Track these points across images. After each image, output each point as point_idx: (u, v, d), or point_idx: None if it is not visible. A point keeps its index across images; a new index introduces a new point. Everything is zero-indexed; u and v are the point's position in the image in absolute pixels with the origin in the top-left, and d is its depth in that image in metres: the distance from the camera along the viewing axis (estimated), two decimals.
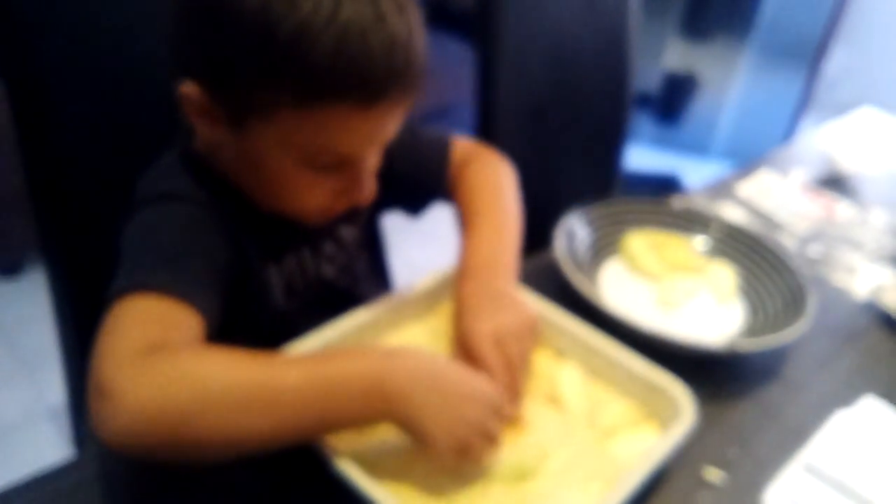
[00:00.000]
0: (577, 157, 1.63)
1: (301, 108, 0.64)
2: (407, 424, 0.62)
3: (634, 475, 0.64)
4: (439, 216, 0.99)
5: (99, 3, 0.88)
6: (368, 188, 0.74)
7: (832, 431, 0.79)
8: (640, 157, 3.13)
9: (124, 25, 0.90)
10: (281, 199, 0.75)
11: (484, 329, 0.72)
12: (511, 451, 0.69)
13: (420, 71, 0.68)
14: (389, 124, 0.70)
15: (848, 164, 1.37)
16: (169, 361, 0.57)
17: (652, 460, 0.66)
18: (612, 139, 1.72)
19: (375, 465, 0.64)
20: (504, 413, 0.67)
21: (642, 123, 3.38)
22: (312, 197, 0.74)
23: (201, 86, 0.67)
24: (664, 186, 2.77)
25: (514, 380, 0.71)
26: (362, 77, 0.63)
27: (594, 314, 0.85)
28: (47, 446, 1.71)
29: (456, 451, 0.63)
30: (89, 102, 0.90)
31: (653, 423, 0.75)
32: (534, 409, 0.74)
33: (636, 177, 2.67)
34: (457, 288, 0.78)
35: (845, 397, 0.84)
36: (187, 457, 0.58)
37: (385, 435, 0.67)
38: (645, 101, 3.34)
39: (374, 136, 0.70)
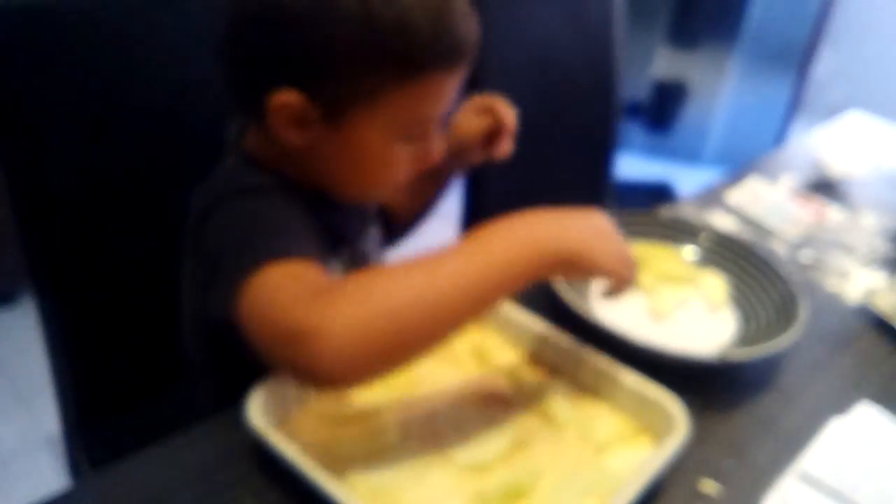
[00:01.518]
0: (568, 169, 1.64)
1: (404, 84, 0.71)
2: (577, 263, 0.70)
3: (629, 490, 0.64)
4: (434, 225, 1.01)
5: (81, 31, 0.88)
6: (439, 149, 0.81)
7: (827, 439, 0.79)
8: (632, 166, 3.14)
9: (109, 58, 0.91)
10: (373, 178, 0.80)
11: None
12: (505, 468, 0.69)
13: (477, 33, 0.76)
14: (459, 83, 0.77)
15: (837, 169, 1.37)
16: (351, 287, 0.60)
17: (646, 474, 0.66)
18: (603, 149, 1.72)
19: (364, 485, 0.64)
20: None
21: (633, 132, 3.39)
22: (400, 169, 0.80)
23: (299, 92, 0.70)
24: (657, 195, 2.77)
25: None
26: (453, 42, 0.71)
27: (584, 328, 0.84)
28: (45, 475, 1.70)
29: (621, 263, 0.75)
30: (75, 132, 0.91)
31: (646, 436, 0.74)
32: (526, 425, 0.74)
33: (629, 186, 2.68)
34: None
35: (840, 404, 0.84)
36: (399, 365, 0.62)
37: (379, 457, 0.67)
38: (635, 109, 3.35)
39: (453, 96, 0.77)
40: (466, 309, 0.63)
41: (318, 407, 0.73)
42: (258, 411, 0.67)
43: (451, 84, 0.75)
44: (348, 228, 0.89)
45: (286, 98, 0.70)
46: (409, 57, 0.69)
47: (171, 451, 0.71)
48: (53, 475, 1.69)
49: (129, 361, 1.08)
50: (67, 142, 0.90)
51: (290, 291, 0.61)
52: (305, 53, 0.69)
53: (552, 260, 0.68)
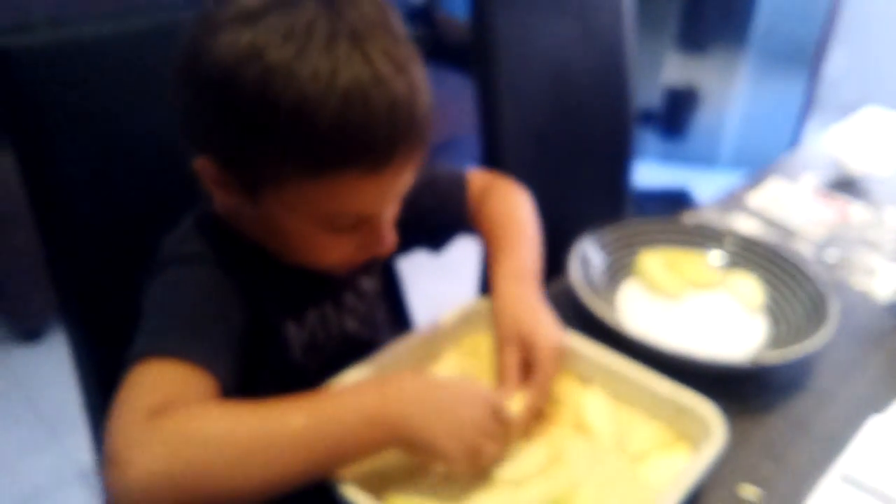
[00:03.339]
0: (585, 180, 1.63)
1: (310, 178, 0.64)
2: (413, 444, 0.63)
3: (668, 499, 0.63)
4: (454, 248, 1.00)
5: (106, 72, 0.89)
6: (389, 239, 0.74)
7: (867, 439, 0.78)
8: (649, 173, 3.13)
9: (133, 95, 0.92)
10: (303, 257, 0.76)
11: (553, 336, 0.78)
12: (543, 481, 0.68)
13: (425, 126, 0.67)
14: (401, 181, 0.69)
15: (857, 166, 1.36)
16: (171, 422, 0.57)
17: (685, 482, 0.65)
18: (619, 158, 1.72)
19: (394, 496, 0.64)
20: (504, 414, 0.69)
21: (647, 140, 3.39)
22: (334, 254, 0.74)
23: (213, 160, 0.67)
24: (676, 201, 2.75)
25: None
26: (367, 144, 0.62)
27: (615, 338, 0.84)
28: None
29: (467, 456, 0.65)
30: (102, 170, 0.91)
31: (684, 444, 0.74)
32: (562, 437, 0.74)
33: (646, 194, 2.67)
34: (499, 289, 0.83)
35: (875, 402, 0.83)
36: None
37: (418, 475, 0.67)
38: (648, 117, 3.35)
39: (387, 194, 0.70)
40: (290, 469, 0.59)
41: None
42: None
43: (378, 184, 0.67)
44: (312, 290, 0.84)
45: (202, 164, 0.68)
46: (310, 151, 0.62)
47: None
48: None
49: None
50: (95, 177, 0.91)
51: (133, 405, 0.58)
52: (213, 129, 0.65)
53: (392, 440, 0.63)
